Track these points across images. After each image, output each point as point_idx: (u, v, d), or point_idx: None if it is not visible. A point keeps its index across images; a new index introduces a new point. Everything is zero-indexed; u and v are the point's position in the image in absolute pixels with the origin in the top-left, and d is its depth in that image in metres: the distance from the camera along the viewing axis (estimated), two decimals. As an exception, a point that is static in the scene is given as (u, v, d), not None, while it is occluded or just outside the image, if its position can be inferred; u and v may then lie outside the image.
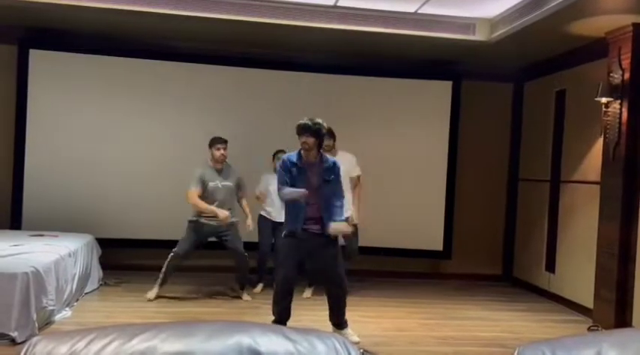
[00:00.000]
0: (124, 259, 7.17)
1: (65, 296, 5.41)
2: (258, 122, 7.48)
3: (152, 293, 6.07)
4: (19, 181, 7.17)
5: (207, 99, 7.53)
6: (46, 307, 4.84)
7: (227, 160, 6.25)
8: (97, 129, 7.23)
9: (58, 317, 5.14)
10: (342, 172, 5.72)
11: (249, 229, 6.29)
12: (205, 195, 6.08)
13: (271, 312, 4.89)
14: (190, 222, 6.14)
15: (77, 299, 5.83)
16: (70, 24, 6.68)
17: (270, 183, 6.51)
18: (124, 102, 7.28)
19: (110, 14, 6.06)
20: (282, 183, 4.81)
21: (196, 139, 7.44)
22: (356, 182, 6.36)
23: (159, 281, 6.10)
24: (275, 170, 6.57)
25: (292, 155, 4.87)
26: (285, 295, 4.83)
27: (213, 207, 6.01)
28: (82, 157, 7.18)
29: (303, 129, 4.75)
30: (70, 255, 5.64)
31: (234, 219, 6.18)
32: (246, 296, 6.32)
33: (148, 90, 7.38)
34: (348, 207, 5.86)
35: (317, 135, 4.76)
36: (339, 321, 4.93)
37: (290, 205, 4.83)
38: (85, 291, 6.16)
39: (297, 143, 4.82)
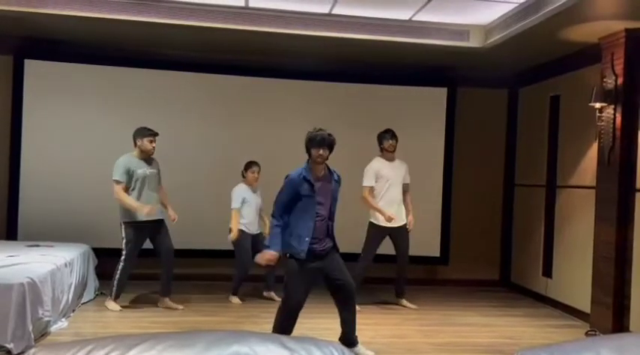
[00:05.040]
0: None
1: (61, 307, 5.39)
2: (253, 130, 7.50)
3: (112, 306, 5.96)
4: (14, 191, 7.16)
5: (204, 108, 7.54)
6: (42, 318, 4.82)
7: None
8: (93, 139, 7.23)
9: (54, 327, 5.11)
10: (399, 178, 6.32)
11: (173, 221, 6.08)
12: (133, 186, 5.89)
13: (273, 327, 4.61)
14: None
15: (73, 310, 5.81)
16: (65, 34, 6.69)
17: (245, 196, 6.46)
18: (119, 111, 7.28)
19: (104, 24, 6.07)
20: (280, 203, 4.43)
21: (195, 146, 7.47)
22: (406, 189, 6.54)
23: (114, 293, 5.97)
24: (248, 182, 6.48)
25: (300, 171, 4.46)
26: (293, 320, 4.55)
27: (137, 204, 5.79)
28: (77, 167, 7.18)
29: (323, 141, 4.41)
30: (66, 265, 5.62)
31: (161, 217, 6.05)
32: (174, 304, 6.12)
33: (144, 99, 7.38)
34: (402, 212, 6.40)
35: (332, 147, 4.47)
36: (353, 337, 4.78)
37: (295, 225, 4.43)
38: (82, 301, 6.15)
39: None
